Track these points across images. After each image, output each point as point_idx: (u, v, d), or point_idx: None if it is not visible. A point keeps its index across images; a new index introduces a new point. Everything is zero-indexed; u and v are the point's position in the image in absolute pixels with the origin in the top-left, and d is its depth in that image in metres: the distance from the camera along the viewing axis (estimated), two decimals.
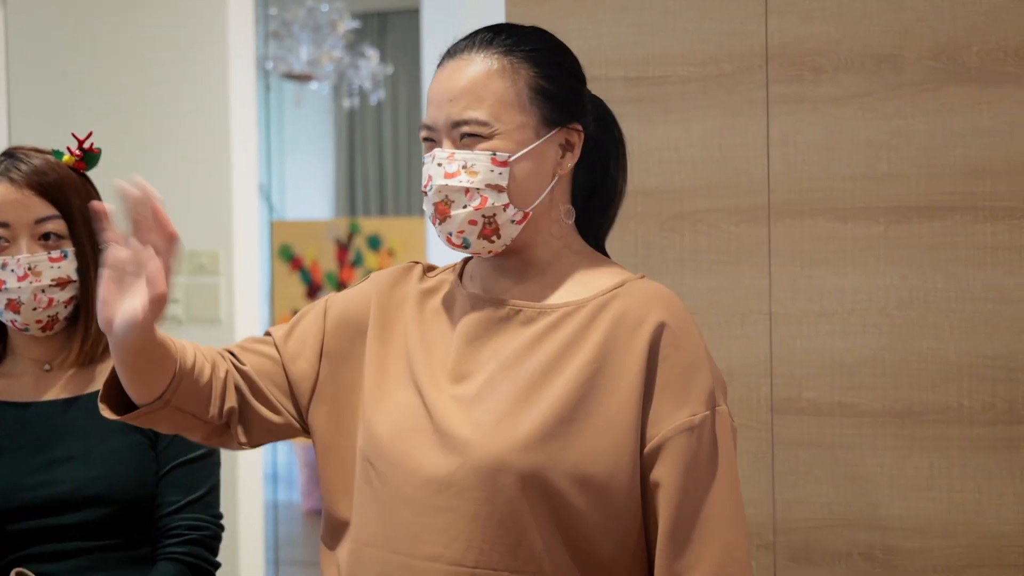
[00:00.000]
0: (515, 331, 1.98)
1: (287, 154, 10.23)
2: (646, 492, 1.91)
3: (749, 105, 2.62)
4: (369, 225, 8.84)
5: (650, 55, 2.69)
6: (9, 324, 2.45)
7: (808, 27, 2.57)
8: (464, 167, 1.94)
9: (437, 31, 5.93)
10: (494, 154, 1.93)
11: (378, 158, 10.35)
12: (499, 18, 2.80)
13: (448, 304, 2.06)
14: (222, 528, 2.52)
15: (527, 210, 1.96)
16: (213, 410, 2.02)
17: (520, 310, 1.98)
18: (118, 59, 4.89)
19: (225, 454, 4.38)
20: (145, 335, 1.84)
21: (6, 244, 2.42)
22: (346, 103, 9.06)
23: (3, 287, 2.41)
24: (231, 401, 2.04)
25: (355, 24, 8.72)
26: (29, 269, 2.40)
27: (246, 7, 4.95)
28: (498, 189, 1.93)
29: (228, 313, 4.99)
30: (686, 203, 2.67)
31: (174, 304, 5.05)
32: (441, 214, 1.95)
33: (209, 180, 4.91)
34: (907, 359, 2.53)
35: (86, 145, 2.49)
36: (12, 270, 2.40)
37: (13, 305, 2.42)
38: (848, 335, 2.56)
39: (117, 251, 1.84)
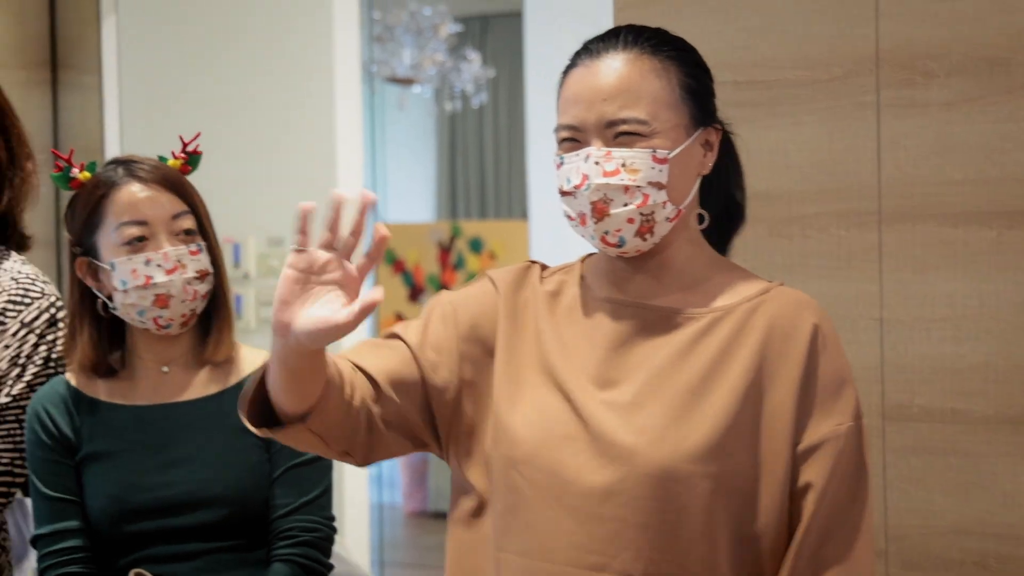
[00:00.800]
0: (664, 337, 1.96)
1: (389, 157, 10.29)
2: (793, 496, 1.90)
3: (859, 109, 2.60)
4: (471, 228, 8.88)
5: (759, 59, 2.68)
6: (150, 324, 2.47)
7: (919, 30, 2.55)
8: (624, 165, 1.92)
9: (540, 34, 5.93)
10: (654, 152, 1.92)
11: (479, 161, 10.38)
12: (606, 22, 2.80)
13: (579, 307, 2.04)
14: (334, 530, 2.54)
15: (680, 207, 1.95)
16: (345, 446, 1.98)
17: (668, 316, 1.97)
18: (226, 65, 4.95)
19: None
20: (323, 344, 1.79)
21: (146, 241, 2.45)
22: (448, 106, 9.10)
23: (150, 283, 2.43)
24: (360, 435, 1.99)
25: (457, 28, 8.76)
26: (177, 262, 2.44)
27: (351, 12, 5.00)
28: (659, 186, 1.92)
29: None
30: (795, 208, 2.66)
31: None
32: (599, 212, 1.93)
33: (315, 183, 4.96)
34: (1020, 364, 2.50)
35: (191, 148, 2.53)
36: (159, 265, 2.43)
37: (162, 300, 2.44)
38: (960, 340, 2.54)
39: (314, 255, 1.77)
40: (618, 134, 1.93)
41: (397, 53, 8.46)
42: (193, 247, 2.46)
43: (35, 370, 2.62)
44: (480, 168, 10.40)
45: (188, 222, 2.47)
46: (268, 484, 2.47)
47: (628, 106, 1.93)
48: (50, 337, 2.64)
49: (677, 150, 1.94)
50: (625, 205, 1.92)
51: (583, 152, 1.95)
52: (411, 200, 10.73)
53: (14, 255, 2.73)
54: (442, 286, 8.74)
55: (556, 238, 5.87)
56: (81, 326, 2.51)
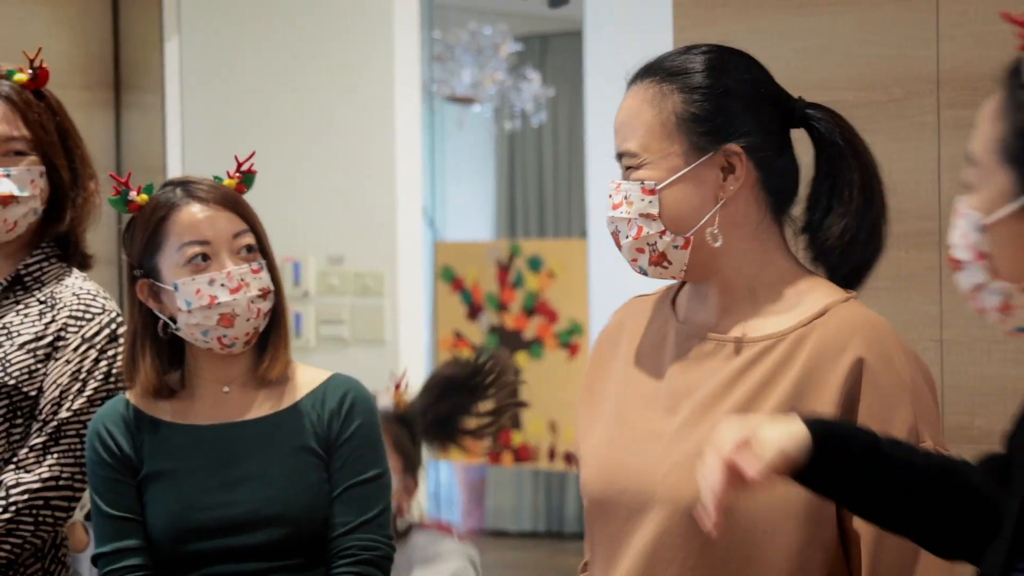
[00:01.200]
0: (717, 366, 1.95)
1: (448, 176, 10.32)
2: (846, 541, 1.88)
3: (919, 130, 2.59)
4: (530, 246, 8.88)
5: (818, 80, 2.68)
6: (214, 343, 2.45)
7: (980, 51, 2.54)
8: (625, 198, 1.95)
9: (600, 54, 5.93)
10: (642, 183, 1.93)
11: (538, 180, 10.38)
12: (666, 41, 2.80)
13: (658, 332, 2.04)
14: (394, 549, 2.52)
15: (687, 235, 1.94)
16: None
17: (722, 345, 1.96)
18: (287, 84, 4.99)
19: None
20: None
21: (209, 261, 2.44)
22: (508, 125, 9.11)
23: (215, 303, 2.42)
24: None
25: (517, 47, 8.77)
26: (241, 281, 2.43)
27: (412, 31, 5.02)
28: (650, 218, 1.93)
29: (392, 334, 5.05)
30: None
31: (339, 325, 5.13)
32: (616, 243, 1.97)
33: (374, 202, 4.98)
34: None
35: (245, 167, 2.53)
36: (223, 284, 2.42)
37: (227, 319, 2.43)
38: (1021, 362, 2.52)
39: None
40: (625, 167, 1.96)
41: (457, 72, 8.48)
42: (255, 265, 2.45)
43: (96, 385, 2.64)
44: (539, 187, 10.40)
45: (248, 240, 2.46)
46: (327, 503, 2.47)
47: (627, 138, 1.96)
48: (111, 352, 2.66)
49: (668, 180, 1.94)
50: (627, 237, 1.95)
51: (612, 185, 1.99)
52: (470, 219, 10.75)
53: (76, 272, 2.76)
54: (500, 305, 8.74)
55: (616, 257, 5.87)
56: (143, 348, 2.50)
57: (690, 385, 1.95)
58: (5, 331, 2.66)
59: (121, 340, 2.66)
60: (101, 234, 4.62)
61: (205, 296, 2.42)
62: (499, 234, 10.55)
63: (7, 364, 2.63)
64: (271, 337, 2.51)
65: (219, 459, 2.47)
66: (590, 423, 2.04)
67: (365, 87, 4.96)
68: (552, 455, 8.39)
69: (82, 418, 2.61)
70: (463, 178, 10.63)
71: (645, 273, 1.97)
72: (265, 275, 2.46)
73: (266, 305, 2.46)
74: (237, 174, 2.53)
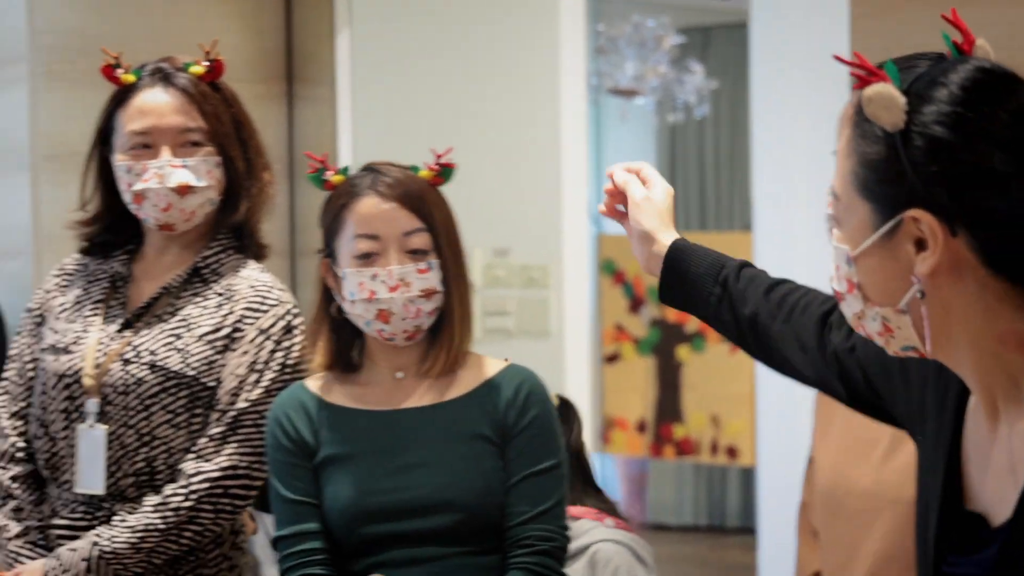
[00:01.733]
0: None
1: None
2: None
3: None
4: (690, 239, 8.82)
5: None
6: (375, 334, 2.51)
7: None
8: None
9: (766, 45, 5.86)
10: None
11: (699, 173, 10.31)
12: (842, 36, 2.75)
13: None
14: (569, 540, 2.54)
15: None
16: None
17: None
18: (454, 77, 5.01)
19: None
20: None
21: (376, 256, 2.48)
22: (670, 118, 9.06)
23: (374, 298, 2.46)
24: None
25: (680, 39, 8.72)
26: (400, 280, 2.46)
27: (578, 24, 5.01)
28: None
29: (557, 326, 5.05)
30: None
31: (505, 317, 5.14)
32: None
33: (540, 195, 4.98)
34: None
35: (443, 160, 2.54)
36: (383, 281, 2.46)
37: (384, 316, 2.47)
38: None
39: None
40: None
41: (620, 65, 8.45)
42: (422, 265, 2.47)
43: (272, 376, 2.67)
44: (700, 180, 10.33)
45: (420, 240, 2.48)
46: (502, 491, 2.48)
47: None
48: (286, 344, 2.69)
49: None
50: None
51: None
52: None
53: (252, 263, 2.80)
54: None
55: (782, 250, 5.80)
56: (321, 325, 2.56)
57: None
58: (184, 323, 2.71)
59: (296, 331, 2.70)
60: (274, 225, 4.70)
61: (366, 290, 2.47)
62: None
63: (187, 356, 2.67)
64: (440, 335, 2.52)
65: (394, 444, 2.49)
66: (827, 424, 2.02)
67: (531, 80, 4.97)
68: (714, 449, 8.34)
69: (259, 408, 2.65)
70: None
71: None
72: (433, 275, 2.48)
73: (429, 305, 2.48)
74: (435, 166, 2.55)
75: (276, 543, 2.54)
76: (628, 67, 8.42)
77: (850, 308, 1.61)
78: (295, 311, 2.74)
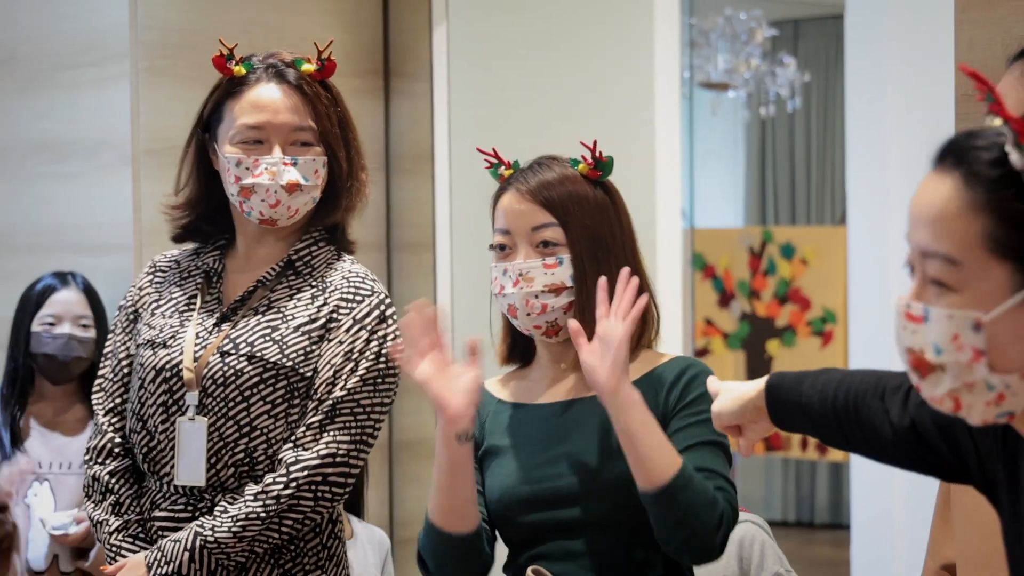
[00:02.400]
0: None
1: (698, 162, 10.27)
2: None
3: None
4: (782, 234, 8.78)
5: None
6: (520, 327, 2.51)
7: None
8: None
9: (861, 37, 5.83)
10: None
11: (789, 166, 10.26)
12: (945, 26, 2.73)
13: None
14: (734, 514, 2.41)
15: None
16: None
17: None
18: (550, 71, 5.01)
19: None
20: None
21: (509, 251, 2.48)
22: (762, 111, 9.03)
23: (503, 292, 2.47)
24: None
25: (772, 32, 8.68)
26: (520, 275, 2.45)
27: (673, 18, 5.00)
28: None
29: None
30: None
31: None
32: None
33: (633, 189, 4.95)
34: None
35: (597, 153, 2.51)
36: (509, 276, 2.46)
37: (512, 310, 2.47)
38: None
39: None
40: None
41: (712, 58, 8.43)
42: (550, 260, 2.45)
43: (367, 365, 2.70)
44: (791, 173, 10.28)
45: (549, 234, 2.46)
46: None
47: None
48: (380, 333, 2.72)
49: None
50: None
51: None
52: (721, 205, 10.68)
53: (344, 255, 2.83)
54: (752, 292, 8.67)
55: (876, 245, 5.77)
56: (501, 320, 2.58)
57: None
58: (280, 315, 2.74)
59: (390, 321, 2.74)
60: (370, 219, 4.74)
61: (497, 285, 2.49)
62: (749, 221, 10.47)
63: (284, 347, 2.71)
64: (585, 327, 2.45)
65: (550, 435, 2.48)
66: None
67: (625, 75, 4.96)
68: (804, 444, 8.30)
69: (356, 396, 2.68)
70: (714, 164, 10.57)
71: None
72: (561, 270, 2.45)
73: (559, 300, 2.45)
74: (591, 160, 2.52)
75: None
76: (720, 60, 8.40)
77: (953, 381, 1.53)
78: (387, 301, 2.77)
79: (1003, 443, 1.62)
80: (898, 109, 5.60)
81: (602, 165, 2.51)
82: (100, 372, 2.88)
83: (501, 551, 2.54)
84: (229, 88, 2.78)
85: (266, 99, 2.74)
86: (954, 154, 1.51)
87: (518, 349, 2.59)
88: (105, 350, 2.89)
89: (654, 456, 2.31)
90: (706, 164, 10.38)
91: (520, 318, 2.47)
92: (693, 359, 2.53)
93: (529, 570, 2.44)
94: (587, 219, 2.47)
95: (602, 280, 2.37)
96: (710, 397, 2.09)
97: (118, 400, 2.82)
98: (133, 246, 4.10)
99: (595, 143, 2.52)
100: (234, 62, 2.77)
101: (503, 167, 2.55)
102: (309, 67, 2.78)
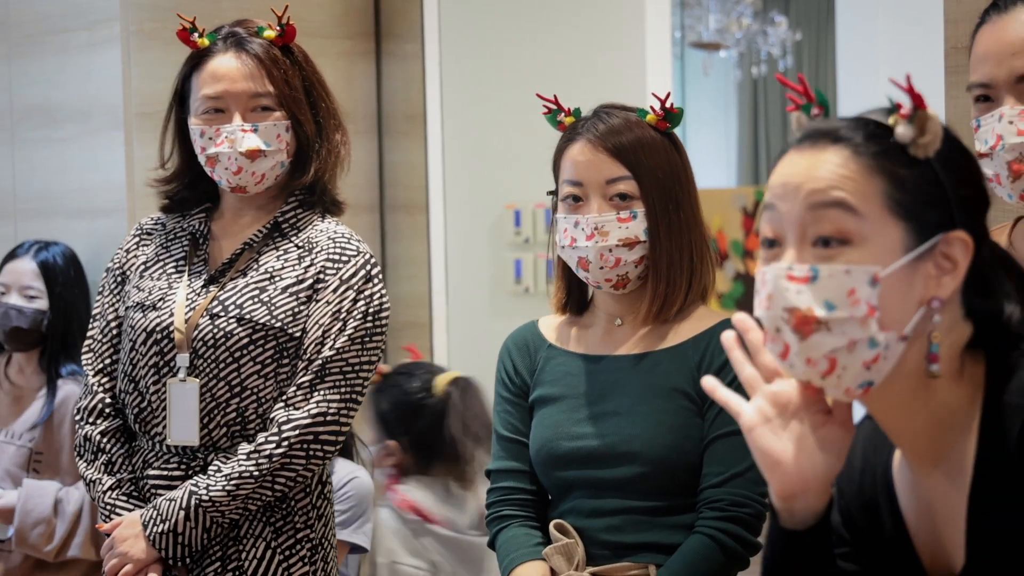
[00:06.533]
0: None
1: (690, 122, 10.28)
2: None
3: None
4: None
5: None
6: (584, 280, 2.51)
7: None
8: None
9: None
10: None
11: (782, 125, 10.27)
12: None
13: None
14: (766, 507, 2.39)
15: None
16: None
17: None
18: (541, 33, 5.01)
19: None
20: None
21: (580, 203, 2.46)
22: (754, 71, 9.02)
23: (575, 244, 2.46)
24: None
25: None
26: (596, 229, 2.43)
27: None
28: None
29: None
30: None
31: None
32: (1015, 172, 1.92)
33: None
34: None
35: (667, 104, 2.47)
36: (582, 228, 2.44)
37: (583, 263, 2.46)
38: None
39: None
40: None
41: (703, 18, 8.42)
42: (624, 214, 2.44)
43: (355, 324, 2.73)
44: (783, 133, 10.29)
45: (623, 187, 2.44)
46: (695, 450, 2.42)
47: None
48: (367, 292, 2.75)
49: None
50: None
51: (996, 113, 1.91)
52: (713, 165, 10.69)
53: (328, 217, 2.86)
54: (746, 252, 8.68)
55: None
56: (557, 265, 2.58)
57: None
58: (268, 277, 2.77)
59: (376, 280, 2.76)
60: (363, 180, 4.74)
61: (568, 236, 2.47)
62: (741, 181, 10.46)
63: (273, 308, 2.73)
64: (650, 282, 2.47)
65: (594, 390, 2.49)
66: None
67: (616, 35, 4.96)
68: None
69: (344, 356, 2.71)
70: (706, 124, 10.57)
71: None
72: (635, 224, 2.44)
73: (632, 255, 2.44)
74: (660, 111, 2.48)
75: (488, 474, 2.59)
76: (711, 20, 8.39)
77: (837, 340, 1.53)
78: (373, 261, 2.80)
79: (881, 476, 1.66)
80: (889, 65, 5.62)
81: (672, 116, 2.48)
82: (89, 333, 2.90)
83: None
84: (194, 61, 2.82)
85: (223, 69, 2.77)
86: (827, 136, 1.56)
87: (573, 297, 2.58)
88: (93, 312, 2.92)
89: None
90: (698, 124, 10.37)
91: (592, 271, 2.45)
92: None
93: (552, 524, 2.47)
94: (659, 171, 2.45)
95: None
96: None
97: (107, 361, 2.86)
98: (127, 209, 4.12)
99: (668, 95, 2.48)
100: (197, 35, 2.81)
101: (563, 114, 2.54)
102: (270, 33, 2.81)
